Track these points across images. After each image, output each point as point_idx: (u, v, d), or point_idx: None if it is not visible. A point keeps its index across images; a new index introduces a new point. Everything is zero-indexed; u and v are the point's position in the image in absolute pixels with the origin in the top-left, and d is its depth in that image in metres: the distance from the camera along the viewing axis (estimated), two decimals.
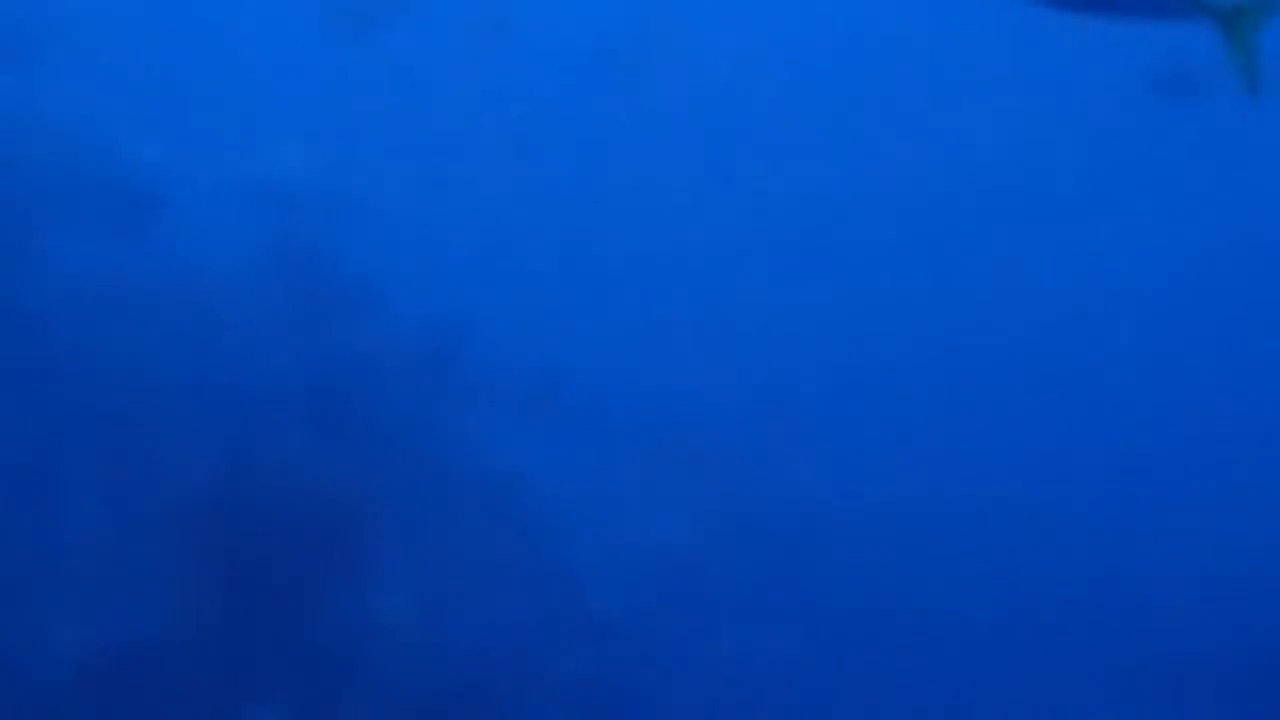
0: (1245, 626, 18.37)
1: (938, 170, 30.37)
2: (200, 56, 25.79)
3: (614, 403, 17.97)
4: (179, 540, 12.10)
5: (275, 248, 14.98)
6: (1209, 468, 22.84)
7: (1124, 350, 26.72)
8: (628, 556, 16.58)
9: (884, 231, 29.26)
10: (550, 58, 28.35)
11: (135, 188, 15.29)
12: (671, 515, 17.99)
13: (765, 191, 29.30)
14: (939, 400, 24.73)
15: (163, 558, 12.22)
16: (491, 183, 26.46)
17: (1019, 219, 29.92)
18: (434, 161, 25.51)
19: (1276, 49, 6.56)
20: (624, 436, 18.53)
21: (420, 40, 27.79)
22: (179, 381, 13.22)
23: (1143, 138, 29.64)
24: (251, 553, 12.02)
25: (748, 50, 31.72)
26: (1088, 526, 20.72)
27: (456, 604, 13.51)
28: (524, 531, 14.71)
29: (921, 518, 20.06)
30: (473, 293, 18.14)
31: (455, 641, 13.49)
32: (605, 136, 29.20)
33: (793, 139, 30.77)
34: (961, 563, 19.28)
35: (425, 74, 27.84)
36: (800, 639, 17.50)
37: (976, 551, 19.54)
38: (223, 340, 13.74)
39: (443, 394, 14.82)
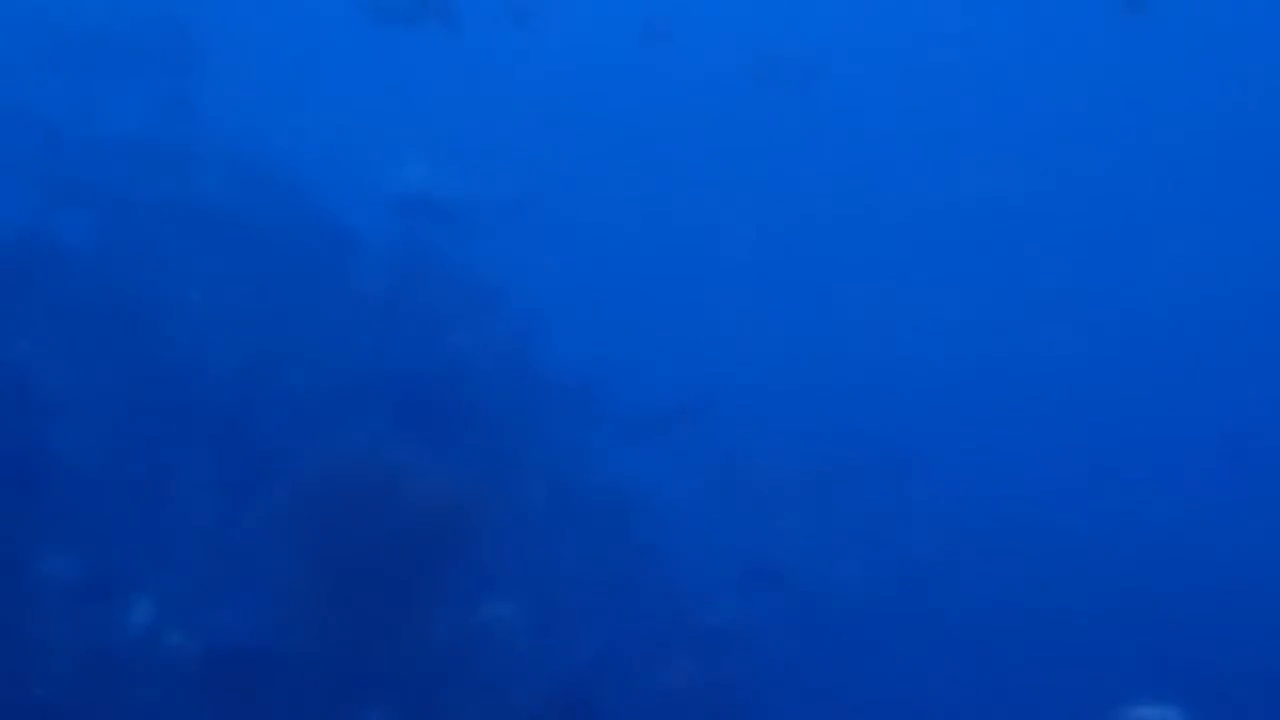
0: None
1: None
2: (345, 64, 26.10)
3: (728, 420, 17.80)
4: (292, 542, 12.06)
5: (402, 252, 15.06)
6: None
7: None
8: (737, 571, 16.42)
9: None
10: (710, 67, 28.24)
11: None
12: (781, 531, 17.84)
13: (925, 205, 29.02)
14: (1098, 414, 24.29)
15: (276, 560, 12.19)
16: (633, 199, 26.45)
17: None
18: (580, 176, 25.60)
19: None
20: (737, 453, 18.40)
21: (577, 47, 27.83)
22: (297, 384, 13.25)
23: None
24: (365, 557, 11.94)
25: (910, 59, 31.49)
26: None
27: (567, 613, 13.39)
28: (635, 544, 14.60)
29: (1057, 534, 19.69)
30: (594, 309, 18.20)
31: (565, 651, 13.37)
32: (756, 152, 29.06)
33: (957, 147, 30.48)
34: (1107, 587, 18.83)
35: (575, 82, 27.84)
36: (908, 653, 17.25)
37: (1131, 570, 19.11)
38: (344, 344, 13.77)
39: (561, 407, 14.78)
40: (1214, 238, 31.05)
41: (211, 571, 12.39)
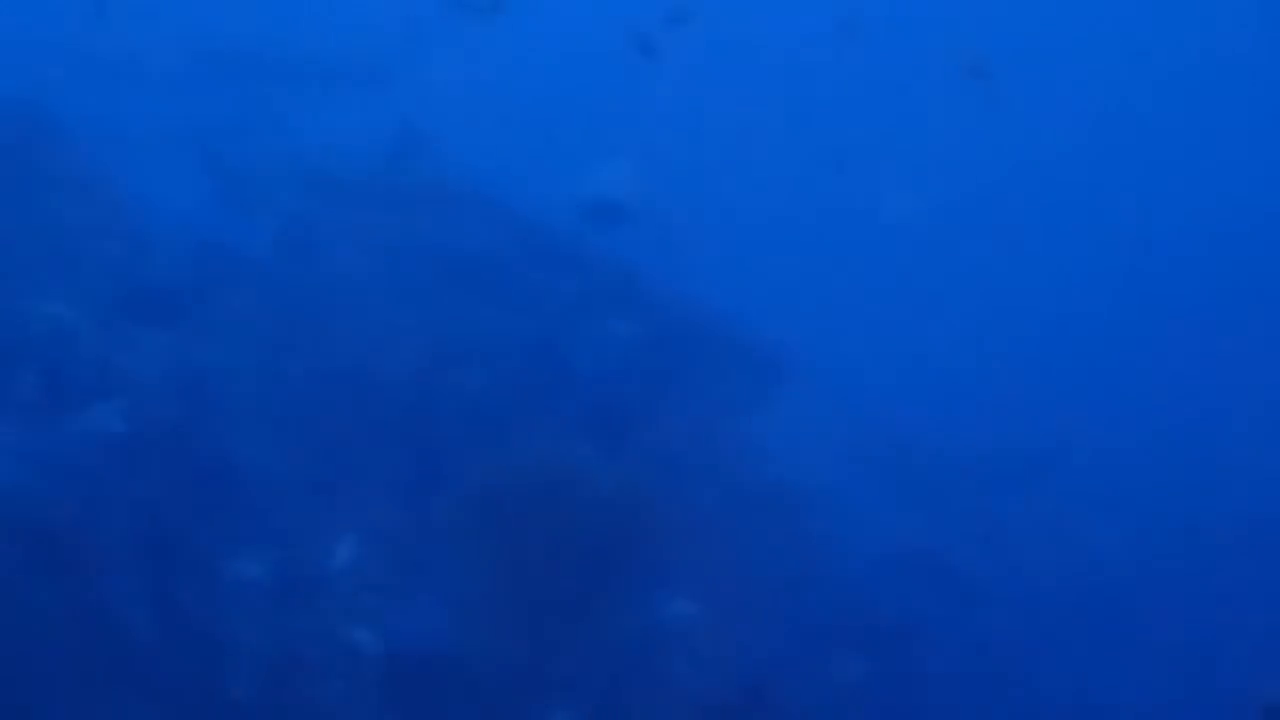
0: None
1: None
2: (520, 73, 26.31)
3: (901, 416, 17.57)
4: (473, 544, 12.14)
5: (583, 255, 15.09)
6: None
7: None
8: (909, 565, 16.20)
9: None
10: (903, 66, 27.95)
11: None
12: (952, 524, 17.62)
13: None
14: None
15: (457, 561, 12.28)
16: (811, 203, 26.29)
17: None
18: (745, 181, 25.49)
19: None
20: (908, 445, 18.18)
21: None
22: (473, 385, 13.33)
23: None
24: (544, 558, 11.98)
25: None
26: None
27: (744, 610, 13.29)
28: (810, 539, 14.46)
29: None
30: (772, 304, 18.03)
31: (743, 647, 13.28)
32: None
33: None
34: None
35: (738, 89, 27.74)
36: (1080, 648, 16.92)
37: None
38: (521, 347, 13.83)
39: (736, 404, 14.69)
40: None
41: (395, 573, 12.51)
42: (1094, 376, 23.31)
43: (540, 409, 13.65)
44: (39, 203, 15.20)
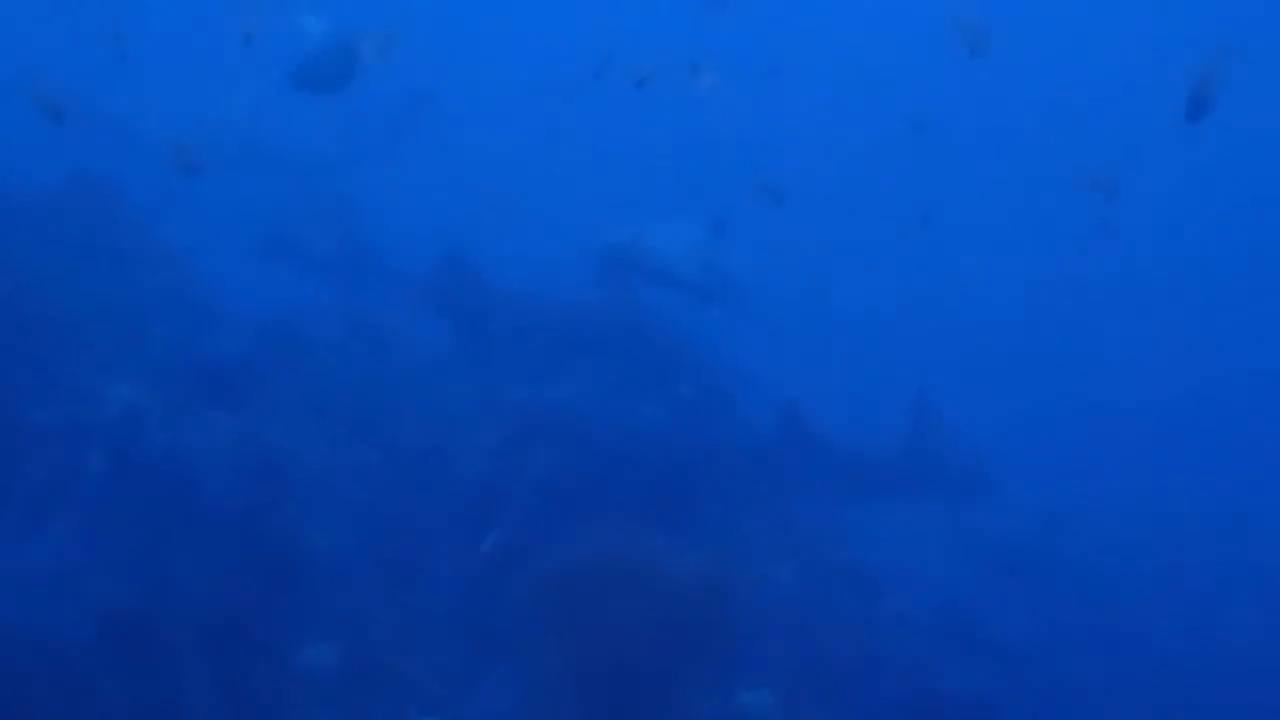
0: None
1: None
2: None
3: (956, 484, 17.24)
4: (546, 629, 11.93)
5: (649, 330, 14.98)
6: None
7: None
8: (975, 652, 15.84)
9: None
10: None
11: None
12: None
13: None
14: None
15: (530, 647, 12.07)
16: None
17: None
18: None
19: None
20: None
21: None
22: (548, 467, 13.19)
23: None
24: (618, 644, 11.74)
25: None
26: None
27: (820, 695, 13.01)
28: (883, 625, 14.19)
29: None
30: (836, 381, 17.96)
31: None
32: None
33: None
34: None
35: None
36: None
37: None
38: (586, 425, 13.69)
39: (809, 485, 14.50)
40: None
41: (464, 661, 12.32)
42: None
43: (610, 488, 13.47)
44: (106, 280, 15.23)
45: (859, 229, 28.91)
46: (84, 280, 14.65)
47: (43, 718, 10.60)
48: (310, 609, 12.13)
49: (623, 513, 12.68)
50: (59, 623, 11.35)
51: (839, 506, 15.23)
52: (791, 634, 13.17)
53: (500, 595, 12.34)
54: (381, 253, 17.90)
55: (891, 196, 27.30)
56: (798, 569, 13.81)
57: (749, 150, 24.36)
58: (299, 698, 11.74)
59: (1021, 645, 16.40)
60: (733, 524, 13.56)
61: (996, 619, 16.48)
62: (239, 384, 13.76)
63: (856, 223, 29.04)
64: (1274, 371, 28.95)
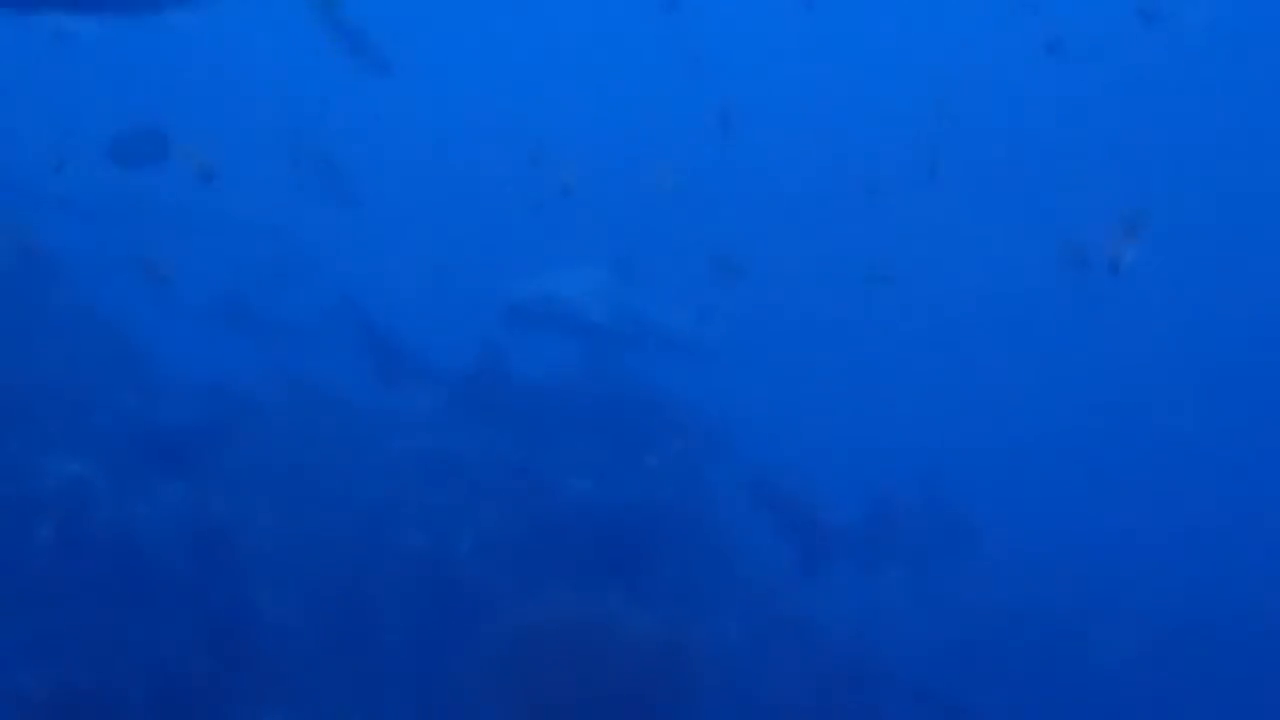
0: None
1: None
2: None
3: (917, 533, 17.37)
4: (501, 694, 11.91)
5: (595, 385, 15.03)
6: None
7: None
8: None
9: None
10: None
11: None
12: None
13: None
14: None
15: (478, 706, 12.04)
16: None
17: None
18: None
19: None
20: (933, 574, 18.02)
21: None
22: (490, 526, 13.20)
23: None
24: (575, 710, 11.74)
25: None
26: None
27: None
28: (838, 683, 14.24)
29: None
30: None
31: None
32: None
33: None
34: None
35: None
36: None
37: None
38: (529, 482, 13.71)
39: (770, 546, 14.58)
40: None
41: None
42: None
43: (560, 548, 13.47)
44: (47, 351, 15.10)
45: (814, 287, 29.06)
46: (24, 353, 14.53)
47: None
48: (261, 678, 12.02)
49: (569, 570, 12.69)
50: (4, 698, 11.22)
51: (798, 566, 15.27)
52: (746, 693, 13.19)
53: (453, 660, 12.30)
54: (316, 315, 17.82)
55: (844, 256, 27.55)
56: (751, 628, 13.84)
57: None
58: None
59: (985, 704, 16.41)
60: (687, 584, 13.60)
61: (959, 677, 16.52)
62: (186, 452, 13.67)
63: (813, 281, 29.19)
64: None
